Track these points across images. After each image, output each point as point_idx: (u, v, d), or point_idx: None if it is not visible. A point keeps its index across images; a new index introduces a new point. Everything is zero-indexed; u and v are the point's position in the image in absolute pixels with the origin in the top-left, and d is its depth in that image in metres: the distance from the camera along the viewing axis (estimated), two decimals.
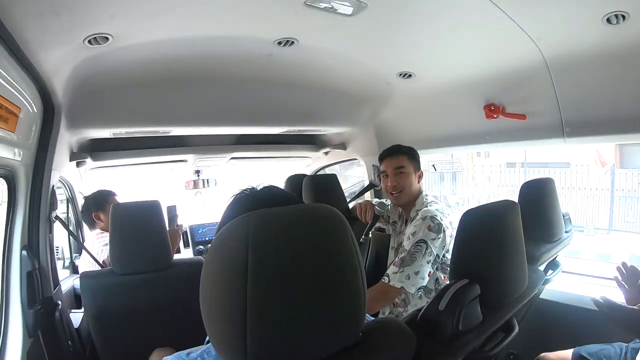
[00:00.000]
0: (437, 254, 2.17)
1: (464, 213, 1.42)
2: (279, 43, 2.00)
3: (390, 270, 2.15)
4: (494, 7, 1.75)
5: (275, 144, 3.45)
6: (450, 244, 2.20)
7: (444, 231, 2.18)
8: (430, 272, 2.16)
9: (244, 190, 1.06)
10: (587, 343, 1.99)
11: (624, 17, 1.72)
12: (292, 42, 2.00)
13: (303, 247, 0.76)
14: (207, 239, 3.69)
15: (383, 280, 2.14)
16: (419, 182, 2.40)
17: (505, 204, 1.48)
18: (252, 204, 0.98)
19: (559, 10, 1.79)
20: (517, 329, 1.53)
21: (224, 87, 2.48)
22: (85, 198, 2.87)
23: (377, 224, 2.73)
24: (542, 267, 1.97)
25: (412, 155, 2.42)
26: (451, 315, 1.21)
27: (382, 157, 2.46)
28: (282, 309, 0.74)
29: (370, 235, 3.08)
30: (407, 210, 2.43)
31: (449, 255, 2.18)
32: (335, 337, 0.80)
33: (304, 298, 0.75)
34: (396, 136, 2.79)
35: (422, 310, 1.28)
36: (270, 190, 1.07)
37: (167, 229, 2.27)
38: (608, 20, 1.76)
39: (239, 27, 1.88)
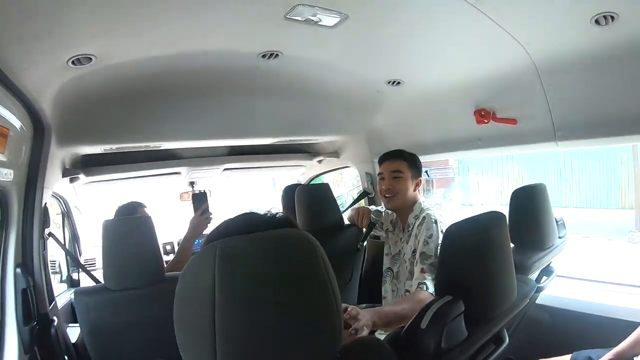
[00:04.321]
0: None
1: (448, 227, 1.41)
2: (263, 56, 2.01)
3: (423, 277, 2.07)
4: (479, 13, 1.74)
5: (268, 154, 3.44)
6: None
7: None
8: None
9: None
10: (585, 348, 1.96)
11: (613, 17, 1.70)
12: (277, 55, 2.01)
13: (271, 275, 0.76)
14: None
15: (421, 288, 2.03)
16: (415, 190, 2.37)
17: (491, 216, 1.46)
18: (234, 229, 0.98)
19: (546, 13, 1.78)
20: (507, 341, 1.51)
21: (213, 101, 2.48)
22: (117, 209, 2.84)
23: (372, 232, 2.71)
24: (535, 275, 1.95)
25: (412, 161, 2.39)
26: (433, 333, 1.19)
27: (382, 159, 2.44)
28: (252, 339, 0.73)
29: (365, 243, 3.07)
30: (402, 216, 2.40)
31: None
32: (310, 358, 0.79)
33: (274, 327, 0.74)
34: (388, 143, 2.79)
35: (404, 328, 1.27)
36: (252, 216, 1.06)
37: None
38: (597, 22, 1.74)
39: (222, 42, 1.89)
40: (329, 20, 1.71)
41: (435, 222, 2.17)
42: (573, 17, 1.77)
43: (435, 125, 2.87)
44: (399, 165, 2.36)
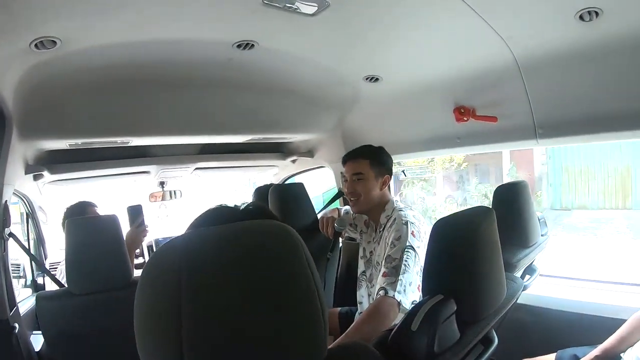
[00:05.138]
0: (421, 265, 2.01)
1: (436, 223, 1.35)
2: (239, 46, 1.92)
3: (384, 281, 1.98)
4: (465, 6, 1.70)
5: (240, 153, 3.35)
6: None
7: (422, 239, 2.08)
8: (419, 285, 1.99)
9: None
10: (569, 346, 1.96)
11: (597, 13, 1.68)
12: (252, 45, 1.93)
13: (247, 270, 0.67)
14: None
15: (381, 294, 1.94)
16: (382, 189, 2.28)
17: (480, 211, 1.42)
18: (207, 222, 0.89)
19: (530, 7, 1.75)
20: (496, 342, 1.47)
21: (185, 95, 2.37)
22: (66, 210, 2.75)
23: (347, 234, 2.63)
24: (519, 273, 1.93)
25: (375, 158, 2.28)
26: (425, 336, 1.13)
27: (344, 160, 2.34)
28: (225, 343, 0.64)
29: (340, 246, 3.01)
30: (374, 216, 2.31)
31: None
32: None
33: (250, 329, 0.65)
34: (363, 142, 2.68)
35: (393, 331, 1.20)
36: (223, 208, 0.97)
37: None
38: (581, 18, 1.72)
39: (196, 29, 1.80)
40: (308, 8, 1.64)
41: (406, 223, 2.08)
42: (557, 12, 1.75)
43: (413, 123, 2.82)
44: (359, 166, 2.25)
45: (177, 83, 2.25)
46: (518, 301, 2.03)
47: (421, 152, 3.00)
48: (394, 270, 1.97)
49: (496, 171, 11.50)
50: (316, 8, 1.65)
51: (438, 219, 1.38)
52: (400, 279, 1.93)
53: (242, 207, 0.96)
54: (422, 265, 1.95)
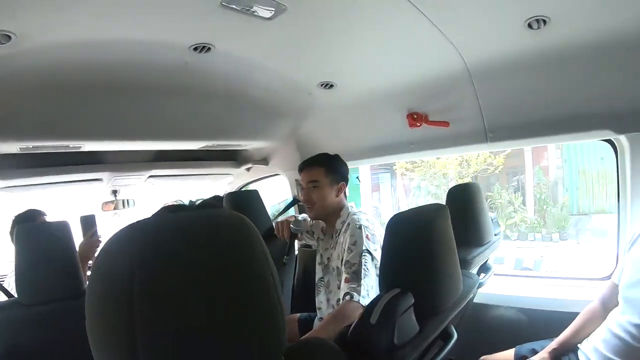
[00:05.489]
0: (378, 267, 2.08)
1: (391, 218, 1.37)
2: (195, 49, 1.90)
3: (347, 287, 2.01)
4: (419, 13, 1.74)
5: (194, 161, 3.29)
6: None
7: (378, 242, 2.11)
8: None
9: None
10: (527, 341, 2.00)
11: (545, 21, 1.77)
12: (209, 48, 1.91)
13: (203, 259, 0.64)
14: None
15: (347, 298, 1.98)
16: (339, 195, 2.30)
17: (434, 207, 1.45)
18: None
19: (480, 16, 1.82)
20: (455, 336, 1.49)
21: (139, 99, 2.30)
22: (14, 219, 2.62)
23: (303, 241, 2.64)
24: (474, 271, 1.98)
25: (331, 166, 2.30)
26: (385, 329, 1.14)
27: (300, 169, 2.36)
28: (182, 335, 0.61)
29: (296, 253, 3.00)
30: (330, 222, 2.34)
31: None
32: None
33: (208, 320, 0.62)
34: (319, 149, 2.67)
35: (351, 326, 1.21)
36: (178, 205, 0.96)
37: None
38: (529, 26, 1.80)
39: (153, 30, 1.77)
40: (265, 12, 1.65)
41: (360, 227, 2.11)
42: (507, 20, 1.83)
43: (368, 129, 2.85)
44: (314, 174, 2.28)
45: (132, 86, 2.18)
46: (476, 300, 2.09)
47: (376, 158, 3.03)
48: (355, 276, 2.01)
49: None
50: (273, 12, 1.66)
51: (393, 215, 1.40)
52: (363, 284, 1.97)
53: (198, 202, 0.95)
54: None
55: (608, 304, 1.78)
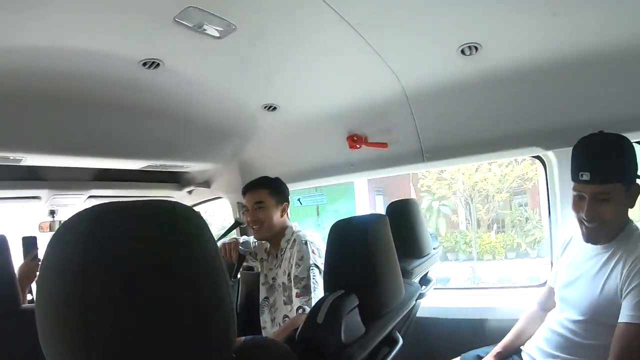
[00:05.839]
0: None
1: (334, 224, 1.42)
2: (144, 64, 1.90)
3: (299, 301, 2.08)
4: (361, 40, 1.85)
5: (136, 182, 3.20)
6: None
7: (322, 256, 2.14)
8: None
9: None
10: (471, 349, 2.07)
11: (476, 48, 1.94)
12: (157, 64, 1.91)
13: (158, 245, 0.64)
14: None
15: (299, 311, 2.04)
16: (282, 215, 2.37)
17: (375, 216, 1.52)
18: None
19: (418, 43, 1.96)
20: (401, 341, 1.55)
21: (83, 112, 2.19)
22: None
23: (245, 263, 2.65)
24: (416, 280, 2.05)
25: (274, 187, 2.39)
26: (332, 328, 1.17)
27: (244, 191, 2.41)
28: (138, 329, 0.60)
29: (239, 277, 2.99)
30: (275, 243, 2.39)
31: None
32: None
33: (159, 311, 0.62)
34: (261, 171, 2.71)
35: (299, 329, 1.23)
36: None
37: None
38: (462, 52, 1.96)
39: (104, 41, 1.74)
40: (216, 30, 1.69)
41: (306, 243, 2.19)
42: (442, 47, 1.98)
43: (309, 152, 2.92)
44: (259, 195, 2.34)
45: (76, 98, 2.09)
46: (421, 314, 2.15)
47: (317, 180, 3.07)
48: (305, 290, 2.08)
49: None
50: (223, 31, 1.70)
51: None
52: (313, 297, 2.04)
53: None
54: None
55: (545, 307, 1.91)
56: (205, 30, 1.67)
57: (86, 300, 0.58)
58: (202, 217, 0.72)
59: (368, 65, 2.10)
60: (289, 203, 2.43)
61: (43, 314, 0.63)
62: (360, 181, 11.98)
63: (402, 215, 2.13)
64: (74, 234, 0.61)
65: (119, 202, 0.66)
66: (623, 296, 1.50)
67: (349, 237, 1.42)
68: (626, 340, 1.45)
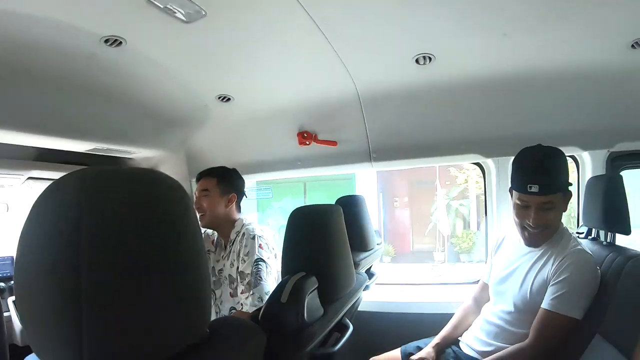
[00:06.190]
0: (278, 271, 2.17)
1: (293, 211, 1.49)
2: (106, 41, 1.82)
3: (242, 298, 2.12)
4: (323, 38, 1.90)
5: (79, 165, 2.96)
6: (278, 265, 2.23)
7: (272, 250, 2.22)
8: None
9: None
10: (411, 341, 2.17)
11: (430, 58, 2.06)
12: (120, 43, 1.84)
13: (149, 215, 0.64)
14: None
15: (239, 308, 2.09)
16: (227, 206, 2.36)
17: (329, 206, 1.60)
18: None
19: (376, 49, 2.04)
20: (351, 328, 1.63)
21: (30, 84, 2.02)
22: None
23: None
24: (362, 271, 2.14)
25: (223, 177, 2.40)
26: (295, 307, 1.23)
27: (197, 178, 2.43)
28: (127, 296, 0.60)
29: None
30: (224, 234, 2.39)
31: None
32: (182, 333, 0.69)
33: (147, 284, 0.62)
34: (208, 161, 2.72)
35: (262, 309, 1.27)
36: None
37: None
38: (417, 61, 2.09)
39: (67, 11, 1.63)
40: (185, 14, 1.67)
41: (254, 237, 2.21)
42: (398, 55, 2.08)
43: (258, 146, 2.93)
44: (206, 183, 2.36)
45: (22, 69, 1.93)
46: (363, 308, 2.23)
47: (266, 174, 3.08)
48: (248, 287, 2.12)
49: None
50: (192, 15, 1.68)
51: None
52: (254, 292, 2.08)
53: None
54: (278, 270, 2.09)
55: (479, 301, 2.10)
56: (174, 13, 1.65)
57: (77, 261, 0.57)
58: (186, 193, 0.72)
59: (326, 64, 2.15)
60: (239, 195, 2.43)
61: (26, 281, 0.61)
62: (366, 175, 11.78)
63: (350, 210, 2.20)
64: (66, 193, 0.61)
65: (112, 167, 0.67)
66: (549, 285, 1.68)
67: (308, 223, 1.48)
68: (544, 324, 1.64)
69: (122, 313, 0.60)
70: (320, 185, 11.92)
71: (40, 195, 0.63)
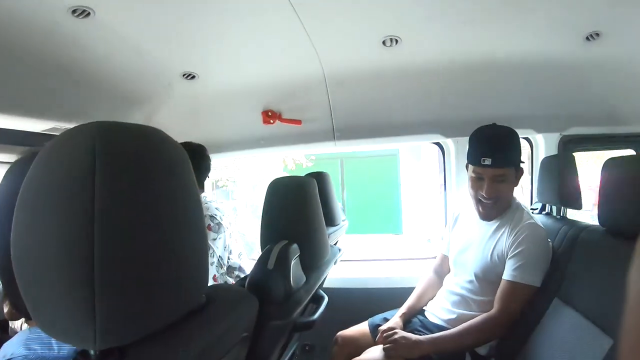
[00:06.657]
0: (220, 256, 2.14)
1: (272, 181, 1.54)
2: (74, 11, 1.72)
3: None
4: (294, 15, 1.89)
5: (35, 146, 2.83)
6: (231, 245, 2.22)
7: (223, 231, 2.18)
8: (215, 275, 2.11)
9: None
10: (376, 314, 2.24)
11: (397, 41, 2.13)
12: (88, 13, 1.75)
13: (157, 167, 0.66)
14: None
15: None
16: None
17: (305, 177, 1.64)
18: None
19: (344, 30, 2.08)
20: (327, 299, 1.70)
21: None
22: None
23: None
24: None
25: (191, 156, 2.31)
26: (282, 273, 1.27)
27: None
28: (137, 258, 0.60)
29: None
30: None
31: (233, 258, 2.22)
32: (182, 299, 0.69)
33: (156, 248, 0.63)
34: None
35: (248, 277, 1.30)
36: None
37: None
38: (384, 43, 2.14)
39: None
40: None
41: (211, 217, 2.18)
42: (365, 37, 2.14)
43: (222, 124, 2.91)
44: None
45: None
46: (329, 285, 2.29)
47: (226, 153, 3.05)
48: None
49: None
50: None
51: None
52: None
53: None
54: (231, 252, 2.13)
55: (440, 272, 2.22)
56: None
57: (91, 205, 0.56)
58: (184, 150, 0.74)
59: (293, 42, 2.16)
60: (200, 174, 2.36)
61: (27, 254, 0.60)
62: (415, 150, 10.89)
63: (318, 185, 2.25)
64: (80, 140, 0.60)
65: (121, 122, 0.66)
66: (508, 258, 1.81)
67: (287, 192, 1.53)
68: (507, 293, 1.77)
69: (133, 271, 0.60)
70: (359, 162, 11.49)
71: (51, 143, 0.62)
